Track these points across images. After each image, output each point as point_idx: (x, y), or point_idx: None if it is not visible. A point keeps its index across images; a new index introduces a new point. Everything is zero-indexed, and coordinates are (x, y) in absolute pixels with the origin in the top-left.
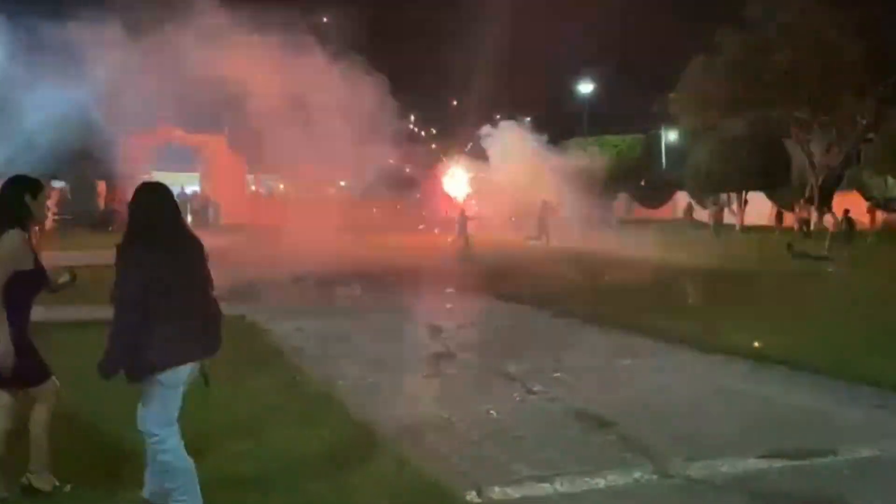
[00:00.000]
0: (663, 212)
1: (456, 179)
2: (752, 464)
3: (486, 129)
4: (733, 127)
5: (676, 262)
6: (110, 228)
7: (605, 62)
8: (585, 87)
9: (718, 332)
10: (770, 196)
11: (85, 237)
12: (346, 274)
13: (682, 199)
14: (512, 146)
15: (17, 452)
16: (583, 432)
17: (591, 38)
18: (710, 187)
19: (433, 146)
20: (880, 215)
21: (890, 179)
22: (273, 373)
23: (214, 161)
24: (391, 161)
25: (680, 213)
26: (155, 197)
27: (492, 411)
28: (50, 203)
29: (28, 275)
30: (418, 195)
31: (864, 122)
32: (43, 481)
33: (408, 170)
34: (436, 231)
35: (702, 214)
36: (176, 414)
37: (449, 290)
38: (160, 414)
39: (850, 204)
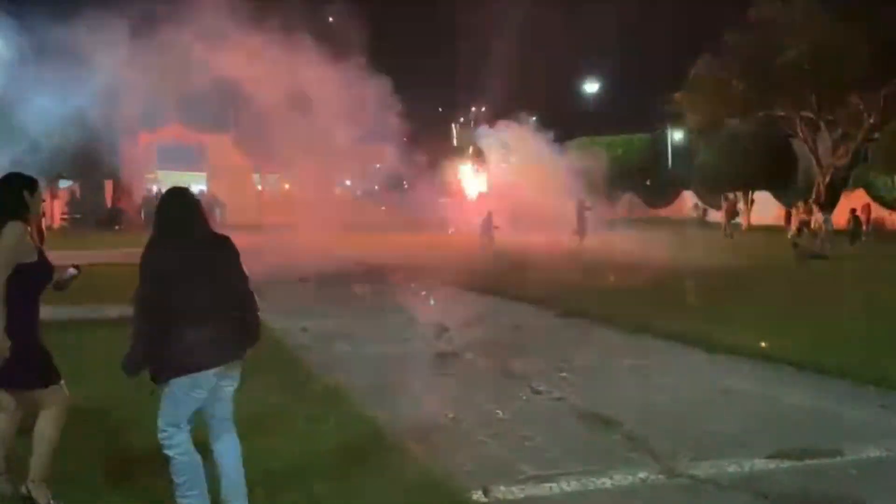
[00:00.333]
0: (669, 211)
1: (476, 179)
2: (759, 464)
3: (483, 129)
4: (740, 126)
5: (692, 262)
6: (117, 227)
7: (611, 61)
8: (591, 87)
9: (725, 332)
10: (776, 195)
11: (91, 236)
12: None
13: (688, 198)
14: (523, 146)
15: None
16: (589, 432)
17: (597, 37)
18: (716, 187)
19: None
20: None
21: None
22: (279, 372)
23: (221, 160)
24: (396, 161)
25: (685, 213)
26: (174, 201)
27: (498, 411)
28: (59, 202)
29: (33, 267)
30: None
31: (871, 120)
32: (41, 494)
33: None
34: (451, 231)
35: (715, 216)
36: (187, 415)
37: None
38: (171, 414)
39: (856, 203)
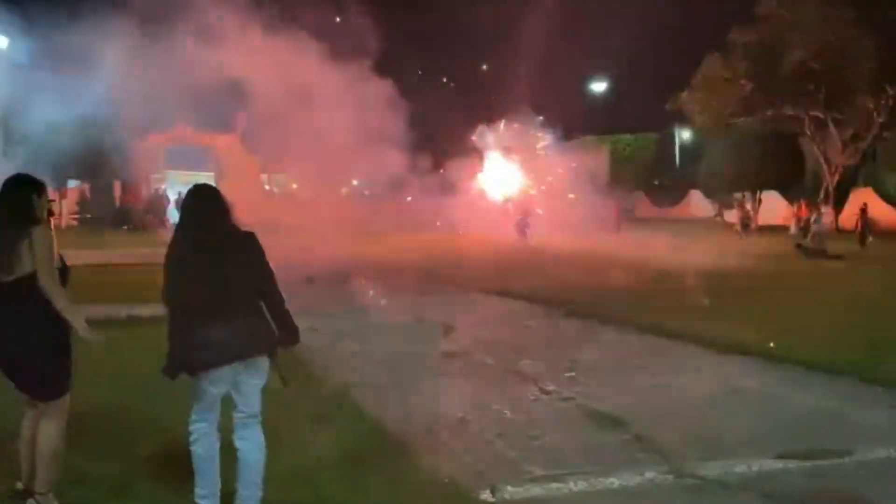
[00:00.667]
0: (676, 211)
1: (503, 178)
2: (767, 464)
3: (480, 128)
4: (747, 125)
5: (704, 262)
6: (125, 227)
7: (618, 60)
8: (598, 86)
9: (734, 332)
10: (784, 195)
11: (99, 236)
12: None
13: (695, 197)
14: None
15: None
16: (597, 432)
17: (604, 36)
18: (724, 186)
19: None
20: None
21: None
22: (286, 371)
23: (228, 161)
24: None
25: (691, 213)
26: (190, 197)
27: (505, 411)
28: (69, 203)
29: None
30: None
31: (881, 119)
32: None
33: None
34: (460, 232)
35: (731, 216)
36: (208, 408)
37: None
38: (195, 405)
39: (862, 202)
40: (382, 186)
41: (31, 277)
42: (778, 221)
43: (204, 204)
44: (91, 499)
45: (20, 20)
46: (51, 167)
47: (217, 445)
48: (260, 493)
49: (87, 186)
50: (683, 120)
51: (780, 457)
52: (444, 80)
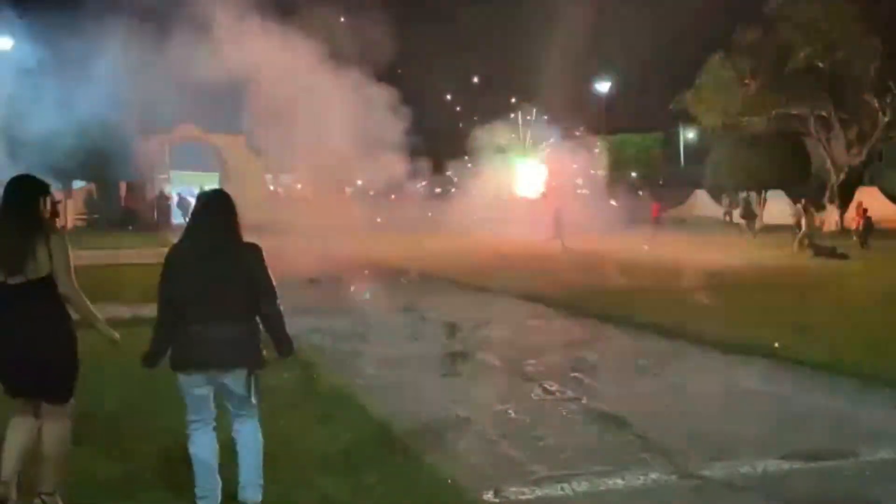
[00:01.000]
0: (682, 211)
1: (535, 176)
2: (772, 465)
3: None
4: (753, 125)
5: (716, 262)
6: (130, 228)
7: (622, 60)
8: (603, 85)
9: (739, 332)
10: (790, 195)
11: (101, 237)
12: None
13: (701, 197)
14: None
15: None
16: (601, 432)
17: (609, 35)
18: (729, 186)
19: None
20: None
21: None
22: (290, 371)
23: (233, 161)
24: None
25: (697, 212)
26: (203, 205)
27: (509, 411)
28: (74, 203)
29: None
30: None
31: (887, 119)
32: None
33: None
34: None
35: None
36: (197, 409)
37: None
38: (187, 406)
39: (868, 202)
40: (387, 186)
41: (44, 280)
42: (783, 221)
43: (213, 210)
44: (95, 499)
45: (25, 21)
46: (56, 168)
47: (214, 446)
48: (260, 481)
49: (93, 187)
50: (688, 119)
51: (786, 457)
52: (443, 79)
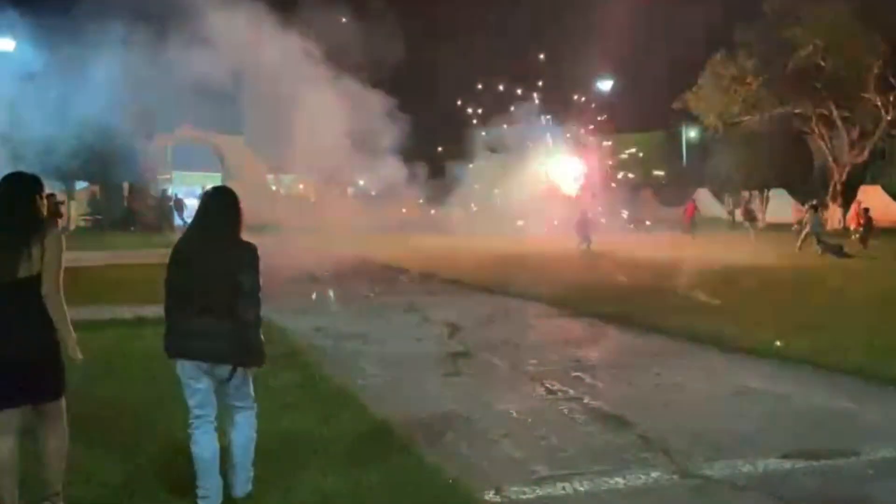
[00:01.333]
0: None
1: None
2: (774, 464)
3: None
4: (755, 124)
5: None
6: (132, 228)
7: (624, 59)
8: (604, 84)
9: (741, 331)
10: (792, 194)
11: (102, 238)
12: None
13: (703, 196)
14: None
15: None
16: (602, 432)
17: (610, 34)
18: (731, 185)
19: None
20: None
21: None
22: (292, 370)
23: (235, 161)
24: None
25: (700, 212)
26: (206, 201)
27: (511, 410)
28: (77, 204)
29: None
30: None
31: (889, 117)
32: None
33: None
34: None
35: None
36: (196, 402)
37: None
38: (188, 402)
39: (870, 200)
40: (391, 187)
41: (36, 278)
42: (786, 220)
43: (212, 207)
44: (96, 499)
45: (27, 22)
46: (59, 169)
47: (216, 446)
48: (248, 475)
49: (97, 188)
50: (690, 118)
51: (787, 457)
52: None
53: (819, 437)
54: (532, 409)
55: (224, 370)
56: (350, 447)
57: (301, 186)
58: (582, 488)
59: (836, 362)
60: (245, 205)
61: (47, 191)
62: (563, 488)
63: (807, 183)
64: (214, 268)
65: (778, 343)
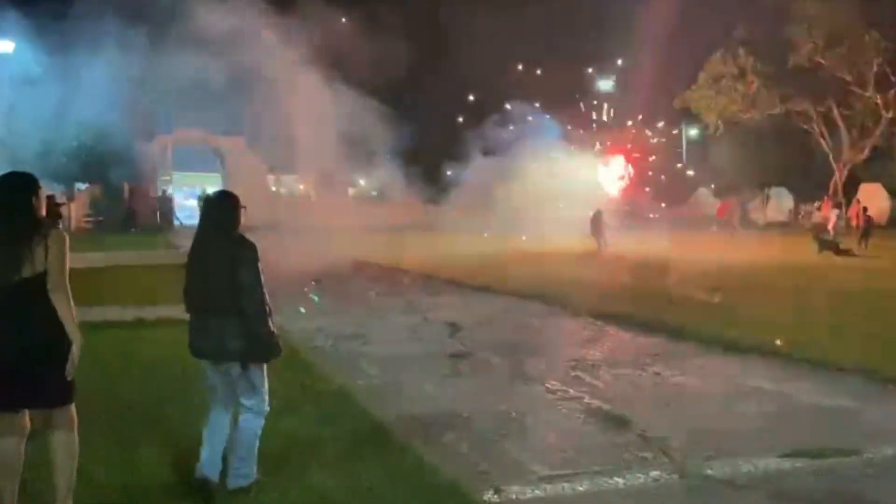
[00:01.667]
0: (683, 210)
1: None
2: (774, 463)
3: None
4: (755, 122)
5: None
6: (133, 230)
7: (623, 57)
8: (605, 84)
9: (742, 331)
10: (793, 192)
11: (103, 239)
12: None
13: (703, 195)
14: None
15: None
16: (602, 431)
17: (610, 33)
18: (731, 184)
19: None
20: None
21: None
22: (293, 370)
23: (235, 162)
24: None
25: (699, 211)
26: (206, 204)
27: (510, 410)
28: (78, 205)
29: None
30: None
31: (890, 115)
32: None
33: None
34: (485, 235)
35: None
36: (210, 394)
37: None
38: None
39: (870, 198)
40: (388, 187)
41: (40, 277)
42: (786, 218)
43: (210, 210)
44: (100, 501)
45: (27, 24)
46: (59, 170)
47: (224, 431)
48: (245, 470)
49: (97, 189)
50: (690, 117)
51: (788, 456)
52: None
53: (820, 436)
54: (532, 409)
55: (229, 367)
56: (349, 447)
57: (301, 187)
58: (582, 488)
59: (837, 361)
60: (245, 206)
61: (47, 192)
62: (563, 488)
63: (808, 181)
64: (215, 267)
65: (778, 342)
